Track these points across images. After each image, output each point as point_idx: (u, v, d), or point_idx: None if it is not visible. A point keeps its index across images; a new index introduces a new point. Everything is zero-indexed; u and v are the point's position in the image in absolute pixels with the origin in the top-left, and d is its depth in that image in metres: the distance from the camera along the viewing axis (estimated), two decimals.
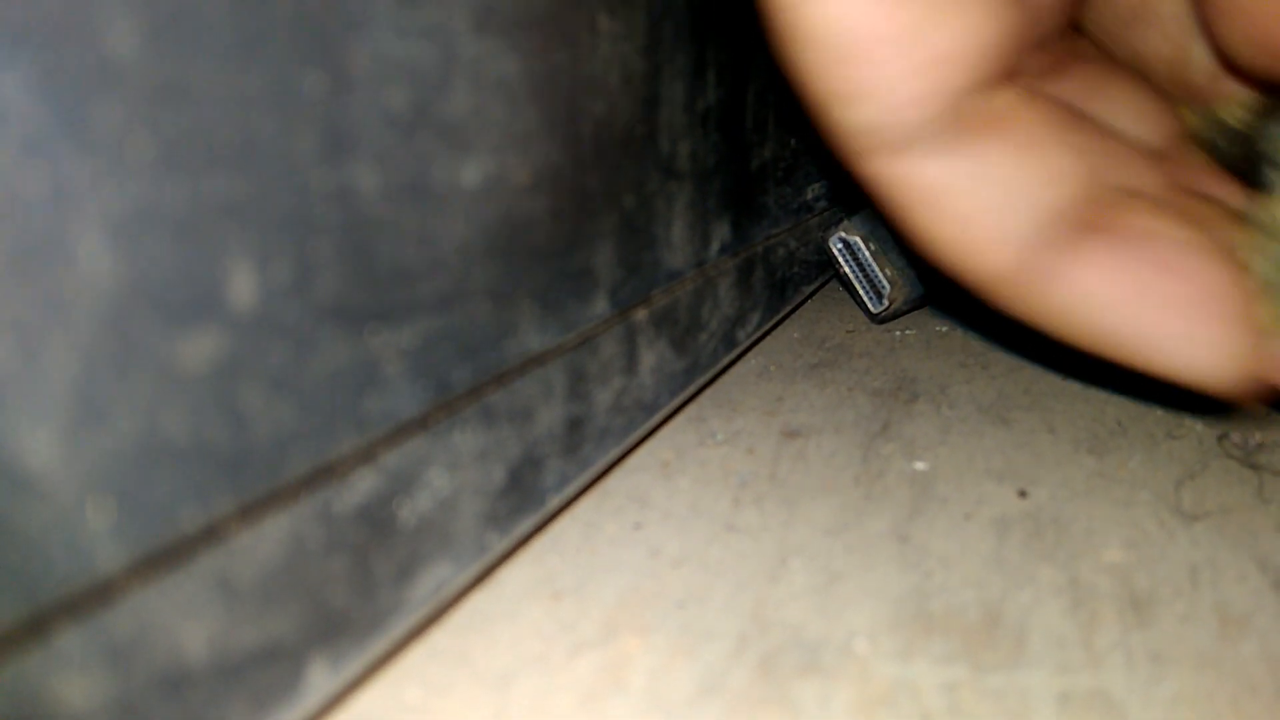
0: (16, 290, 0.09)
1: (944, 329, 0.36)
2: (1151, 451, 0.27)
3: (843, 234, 0.32)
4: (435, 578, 0.17)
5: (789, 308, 0.33)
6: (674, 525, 0.23)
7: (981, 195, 0.19)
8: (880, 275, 0.32)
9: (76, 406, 0.10)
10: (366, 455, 0.15)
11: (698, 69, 0.24)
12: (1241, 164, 0.24)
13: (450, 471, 0.17)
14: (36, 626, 0.10)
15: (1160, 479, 0.25)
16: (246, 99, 0.12)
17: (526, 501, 0.20)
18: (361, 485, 0.15)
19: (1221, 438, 0.28)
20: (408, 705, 0.17)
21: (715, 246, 0.26)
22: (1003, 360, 0.33)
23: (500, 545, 0.19)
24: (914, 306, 0.35)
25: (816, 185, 0.33)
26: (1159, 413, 0.30)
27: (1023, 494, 0.24)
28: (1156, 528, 0.23)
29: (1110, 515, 0.24)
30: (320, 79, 0.13)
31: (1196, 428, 0.28)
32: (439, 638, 0.19)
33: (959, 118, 0.19)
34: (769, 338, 0.35)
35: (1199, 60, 0.25)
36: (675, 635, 0.19)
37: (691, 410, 0.29)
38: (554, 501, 0.21)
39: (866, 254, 0.32)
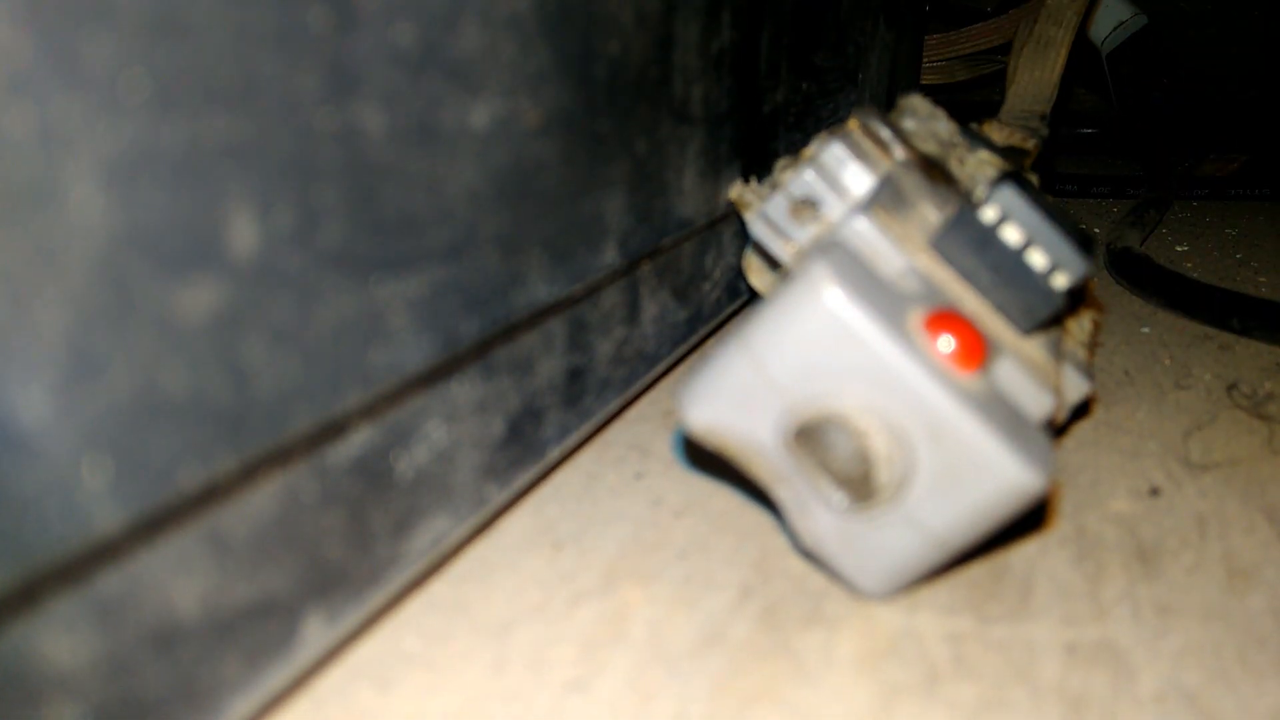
0: (5, 238, 0.09)
1: None
2: (1159, 402, 0.27)
3: None
4: (433, 530, 0.17)
5: None
6: (676, 476, 0.22)
7: None
8: None
9: (71, 361, 0.09)
10: (369, 410, 0.14)
11: (712, 8, 0.23)
12: None
13: (449, 424, 0.17)
14: (30, 590, 0.09)
15: (1168, 429, 0.25)
16: (247, 34, 0.11)
17: (526, 453, 0.19)
18: (359, 439, 0.14)
19: (1230, 388, 0.27)
20: (407, 654, 0.17)
21: (725, 194, 0.25)
22: None
23: (499, 497, 0.19)
24: None
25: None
26: (1166, 363, 0.29)
27: None
28: (1164, 479, 0.23)
29: (1117, 466, 0.23)
30: (325, 14, 0.12)
31: (1205, 378, 0.28)
32: (438, 588, 0.18)
33: None
34: None
35: None
36: (677, 585, 0.19)
37: (696, 360, 0.29)
38: (554, 452, 0.21)
39: None
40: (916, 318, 0.16)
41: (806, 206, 0.22)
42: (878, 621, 0.18)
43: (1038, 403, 0.17)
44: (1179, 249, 0.43)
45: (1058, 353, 0.19)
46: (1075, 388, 0.21)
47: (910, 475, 0.16)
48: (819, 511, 0.17)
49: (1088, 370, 0.21)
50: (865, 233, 0.18)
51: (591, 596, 0.18)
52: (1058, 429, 0.21)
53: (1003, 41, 0.46)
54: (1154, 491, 0.22)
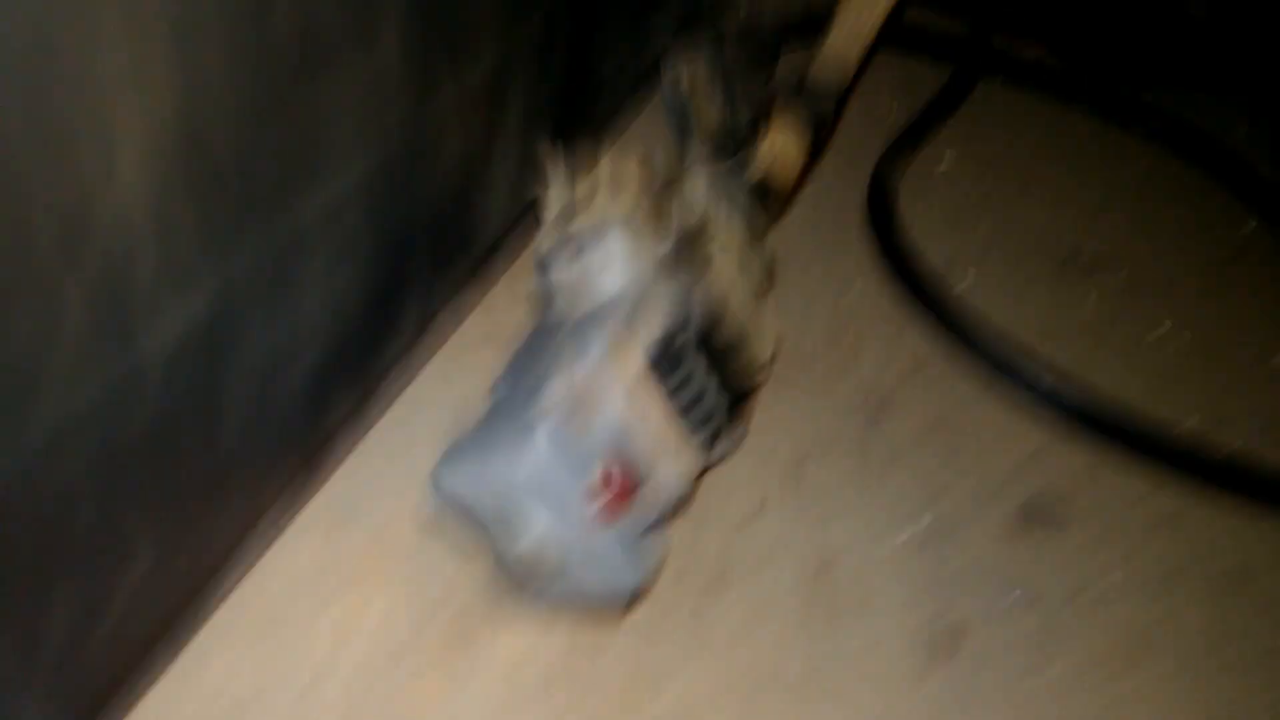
0: None
1: None
2: (816, 400, 0.35)
3: None
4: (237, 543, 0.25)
5: None
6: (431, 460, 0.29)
7: None
8: None
9: None
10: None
11: None
12: None
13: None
14: None
15: (807, 435, 0.34)
16: None
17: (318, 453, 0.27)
18: None
19: (881, 406, 0.36)
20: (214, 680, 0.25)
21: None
22: None
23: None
24: None
25: None
26: (848, 341, 0.37)
27: None
28: (775, 493, 0.32)
29: (748, 474, 0.32)
30: None
31: (864, 372, 0.36)
32: (242, 589, 0.26)
33: None
34: None
35: None
36: (406, 582, 0.27)
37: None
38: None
39: None
40: (595, 471, 0.24)
41: (575, 267, 0.28)
42: (516, 637, 0.27)
43: (673, 491, 0.26)
44: (940, 168, 0.49)
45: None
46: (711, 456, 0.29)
47: (561, 570, 0.25)
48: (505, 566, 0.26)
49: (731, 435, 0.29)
50: (593, 369, 0.25)
51: (342, 591, 0.26)
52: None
53: None
54: (762, 505, 0.31)
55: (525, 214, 0.33)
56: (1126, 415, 0.36)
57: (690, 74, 0.39)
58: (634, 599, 0.26)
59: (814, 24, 0.50)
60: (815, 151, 0.37)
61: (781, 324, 0.36)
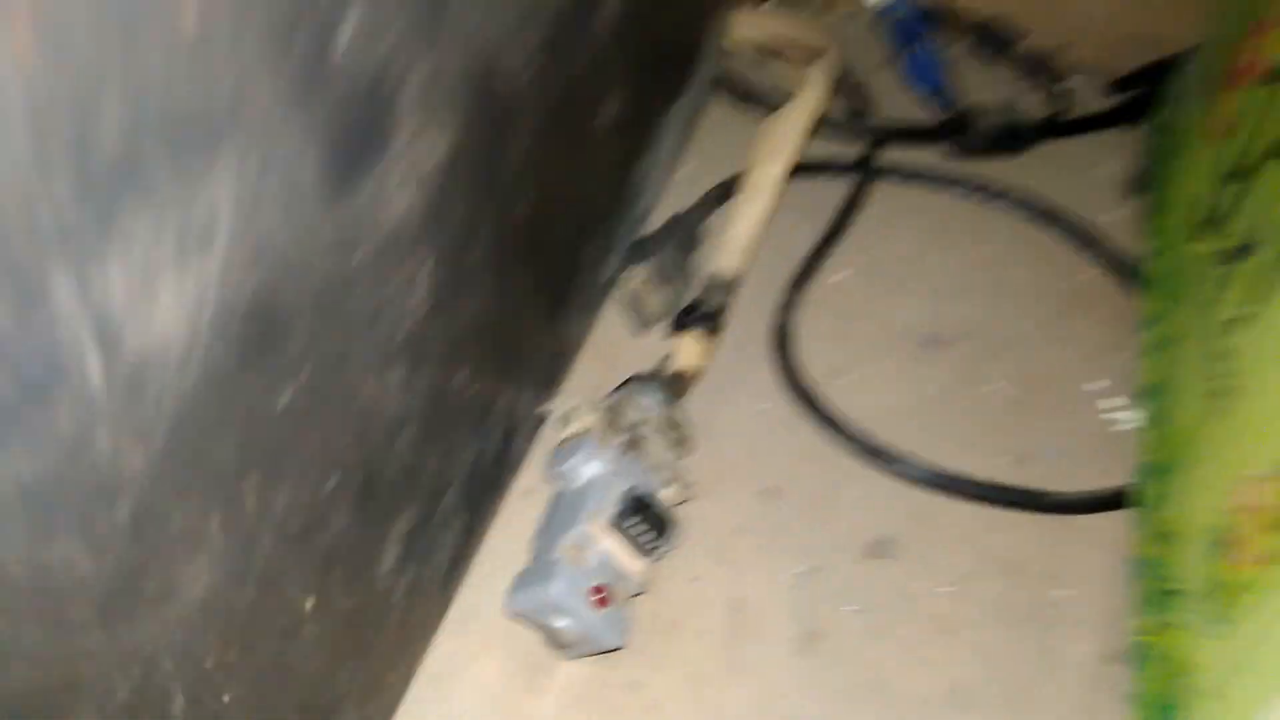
0: None
1: None
2: (723, 502, 0.56)
3: None
4: None
5: None
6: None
7: None
8: None
9: None
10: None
11: None
12: None
13: None
14: None
15: (717, 530, 0.55)
16: None
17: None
18: None
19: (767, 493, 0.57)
20: None
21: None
22: None
23: None
24: None
25: None
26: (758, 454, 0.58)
27: None
28: (705, 568, 0.53)
29: (681, 561, 0.53)
30: None
31: (767, 473, 0.57)
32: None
33: None
34: None
35: None
36: (505, 642, 0.50)
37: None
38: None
39: None
40: (592, 586, 0.46)
41: (569, 462, 0.50)
42: (571, 667, 0.50)
43: (639, 585, 0.48)
44: (837, 276, 0.68)
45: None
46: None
47: (579, 641, 0.47)
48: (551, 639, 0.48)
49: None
50: (581, 532, 0.47)
51: (472, 651, 0.49)
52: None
53: None
54: (696, 577, 0.53)
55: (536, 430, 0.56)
56: (941, 472, 0.56)
57: (638, 283, 0.60)
58: (623, 647, 0.49)
59: (726, 193, 0.71)
60: (717, 330, 0.58)
61: (709, 439, 0.58)
